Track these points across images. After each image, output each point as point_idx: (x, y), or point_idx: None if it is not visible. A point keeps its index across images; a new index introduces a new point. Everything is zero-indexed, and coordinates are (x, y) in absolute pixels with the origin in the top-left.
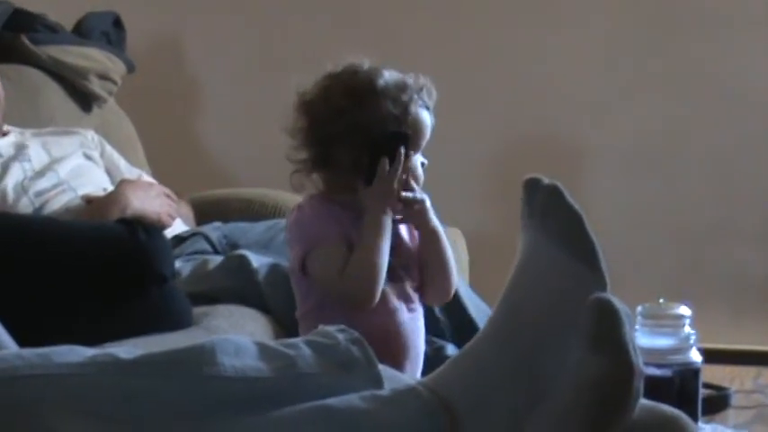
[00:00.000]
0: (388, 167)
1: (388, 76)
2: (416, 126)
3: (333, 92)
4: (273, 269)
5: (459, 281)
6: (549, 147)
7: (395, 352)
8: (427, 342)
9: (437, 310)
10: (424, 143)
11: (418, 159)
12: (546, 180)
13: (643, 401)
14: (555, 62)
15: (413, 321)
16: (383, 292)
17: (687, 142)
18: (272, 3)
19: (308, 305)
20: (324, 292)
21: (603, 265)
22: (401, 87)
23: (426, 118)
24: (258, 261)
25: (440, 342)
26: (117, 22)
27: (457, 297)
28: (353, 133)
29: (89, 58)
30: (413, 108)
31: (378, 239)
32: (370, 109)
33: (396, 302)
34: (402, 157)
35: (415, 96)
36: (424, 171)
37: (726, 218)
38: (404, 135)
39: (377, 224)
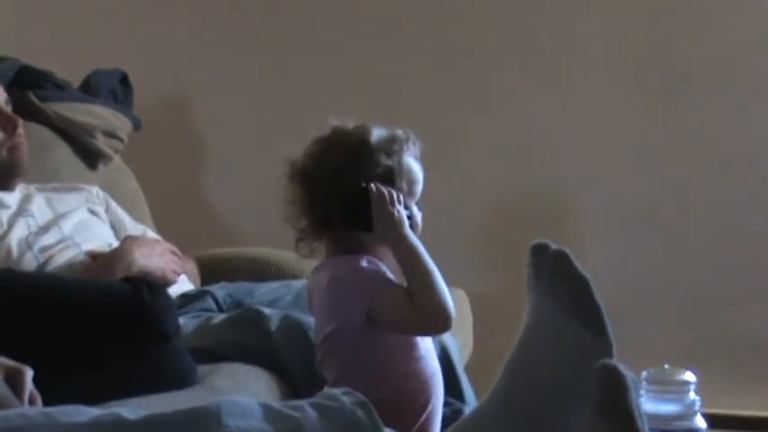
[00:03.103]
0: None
1: (376, 131)
2: (411, 175)
3: (326, 155)
4: (286, 319)
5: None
6: (551, 208)
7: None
8: (445, 404)
9: (458, 369)
10: (419, 191)
11: (415, 210)
12: (553, 246)
13: None
14: (556, 123)
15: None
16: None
17: (690, 204)
18: (278, 61)
19: (367, 356)
20: (392, 341)
21: (610, 331)
22: (391, 140)
23: (418, 169)
24: (269, 311)
25: (458, 404)
26: (124, 80)
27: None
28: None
29: (96, 115)
30: (405, 158)
31: (417, 258)
32: (367, 165)
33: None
34: (383, 190)
35: (405, 147)
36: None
37: (730, 281)
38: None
39: (406, 246)
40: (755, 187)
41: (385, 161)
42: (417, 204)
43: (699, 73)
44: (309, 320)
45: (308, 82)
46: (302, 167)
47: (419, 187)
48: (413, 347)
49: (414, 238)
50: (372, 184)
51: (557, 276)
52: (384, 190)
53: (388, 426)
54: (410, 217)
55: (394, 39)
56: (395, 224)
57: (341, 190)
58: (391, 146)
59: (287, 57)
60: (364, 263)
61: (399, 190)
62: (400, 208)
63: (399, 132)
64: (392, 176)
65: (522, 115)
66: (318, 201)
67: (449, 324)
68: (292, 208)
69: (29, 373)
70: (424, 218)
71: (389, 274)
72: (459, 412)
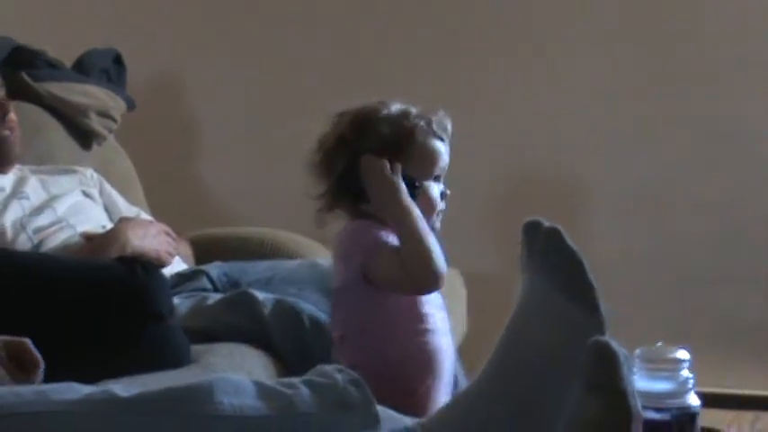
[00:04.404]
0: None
1: (393, 106)
2: (424, 151)
3: (338, 124)
4: (279, 304)
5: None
6: (549, 188)
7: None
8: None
9: None
10: (436, 171)
11: (435, 188)
12: (546, 223)
13: None
14: (555, 103)
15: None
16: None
17: (688, 184)
18: (273, 41)
19: (370, 317)
20: (396, 308)
21: (602, 308)
22: (404, 115)
23: (436, 146)
24: (263, 296)
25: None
26: (117, 60)
27: None
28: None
29: (89, 95)
30: (419, 136)
31: (407, 221)
32: (369, 136)
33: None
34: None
35: (421, 124)
36: (447, 202)
37: (725, 261)
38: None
39: (396, 211)
40: (755, 170)
41: (387, 132)
42: (443, 184)
43: (700, 55)
44: (302, 304)
45: (304, 63)
46: (321, 136)
47: (437, 167)
48: (421, 319)
49: (407, 204)
50: (366, 156)
51: (549, 254)
52: (376, 160)
53: (381, 400)
54: (414, 188)
55: (395, 19)
56: (383, 191)
57: (343, 160)
58: (401, 120)
59: (282, 37)
60: (364, 225)
61: (407, 164)
62: (396, 177)
63: (414, 109)
64: (395, 149)
65: (520, 98)
66: (330, 169)
67: (438, 283)
68: (313, 175)
69: (29, 344)
70: None
71: (390, 238)
72: None
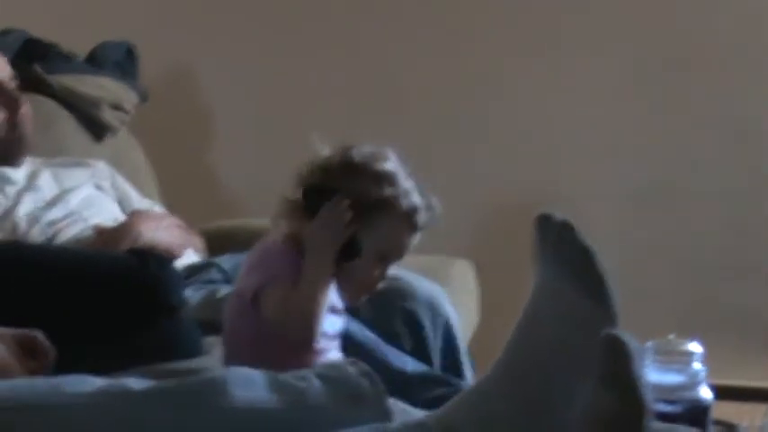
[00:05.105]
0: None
1: (388, 163)
2: (389, 234)
3: (334, 158)
4: None
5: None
6: (557, 181)
7: None
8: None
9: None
10: (389, 256)
11: (375, 269)
12: (558, 216)
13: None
14: (563, 91)
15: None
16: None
17: (699, 176)
18: (286, 33)
19: (245, 333)
20: (263, 329)
21: (614, 300)
22: (391, 181)
23: (404, 237)
24: None
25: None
26: (130, 52)
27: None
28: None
29: (102, 87)
30: (395, 215)
31: (318, 276)
32: (365, 182)
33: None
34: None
35: (404, 205)
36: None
37: (738, 253)
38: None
39: (319, 261)
40: (764, 161)
41: (380, 195)
42: (386, 266)
43: (710, 42)
44: None
45: (318, 55)
46: (316, 159)
47: (392, 255)
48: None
49: (328, 262)
50: (339, 197)
51: (561, 247)
52: (342, 210)
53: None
54: (354, 251)
55: (403, 15)
56: (322, 233)
57: (320, 186)
58: (385, 186)
59: (296, 29)
60: (285, 253)
61: (366, 228)
62: (343, 231)
63: (405, 181)
64: (365, 209)
65: (527, 96)
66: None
67: (303, 344)
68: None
69: (40, 335)
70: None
71: (299, 275)
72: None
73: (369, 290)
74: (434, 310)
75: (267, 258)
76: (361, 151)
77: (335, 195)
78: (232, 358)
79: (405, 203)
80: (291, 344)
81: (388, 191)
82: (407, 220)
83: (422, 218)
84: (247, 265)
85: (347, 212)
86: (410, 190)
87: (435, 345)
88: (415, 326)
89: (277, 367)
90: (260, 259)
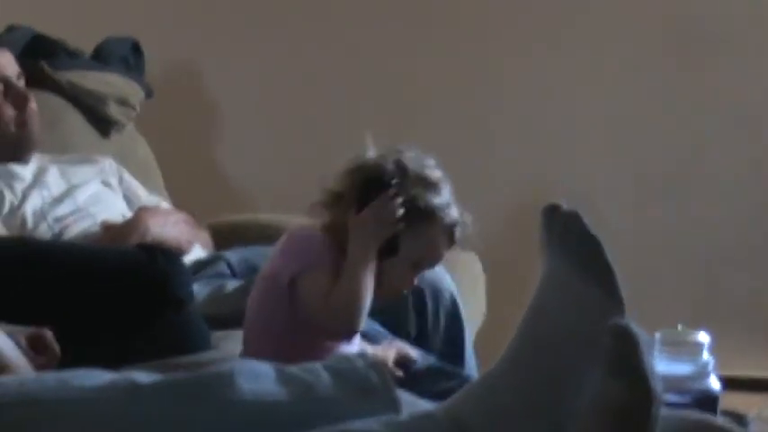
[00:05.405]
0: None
1: (445, 188)
2: (429, 243)
3: (397, 162)
4: None
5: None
6: (566, 170)
7: None
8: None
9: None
10: (422, 262)
11: (406, 275)
12: (564, 206)
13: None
14: (570, 93)
15: None
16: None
17: (705, 166)
18: (291, 29)
19: (279, 319)
20: (299, 315)
21: (621, 290)
22: (442, 197)
23: (442, 248)
24: None
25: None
26: (136, 48)
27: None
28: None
29: (108, 83)
30: (437, 228)
31: (362, 266)
32: (416, 188)
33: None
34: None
35: (447, 221)
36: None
37: (746, 244)
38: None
39: (362, 250)
40: None
41: (428, 203)
42: (417, 273)
43: (713, 31)
44: None
45: (322, 50)
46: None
47: (425, 262)
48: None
49: (371, 254)
50: (393, 189)
51: (568, 237)
52: (396, 206)
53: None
54: (393, 248)
55: (405, 12)
56: (369, 224)
57: (377, 175)
58: (435, 200)
59: (301, 24)
60: (323, 242)
61: (407, 235)
62: (391, 227)
63: (452, 206)
64: (412, 216)
65: (546, 83)
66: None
67: (348, 334)
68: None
69: (48, 334)
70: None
71: (337, 265)
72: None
73: (396, 294)
74: (438, 292)
75: (307, 245)
76: (413, 156)
77: (389, 190)
78: (254, 343)
79: (448, 216)
80: (331, 333)
81: (435, 200)
82: (448, 232)
83: (459, 232)
84: (282, 251)
85: (400, 208)
86: (451, 203)
87: (437, 327)
88: (423, 309)
89: (305, 356)
90: (299, 245)
